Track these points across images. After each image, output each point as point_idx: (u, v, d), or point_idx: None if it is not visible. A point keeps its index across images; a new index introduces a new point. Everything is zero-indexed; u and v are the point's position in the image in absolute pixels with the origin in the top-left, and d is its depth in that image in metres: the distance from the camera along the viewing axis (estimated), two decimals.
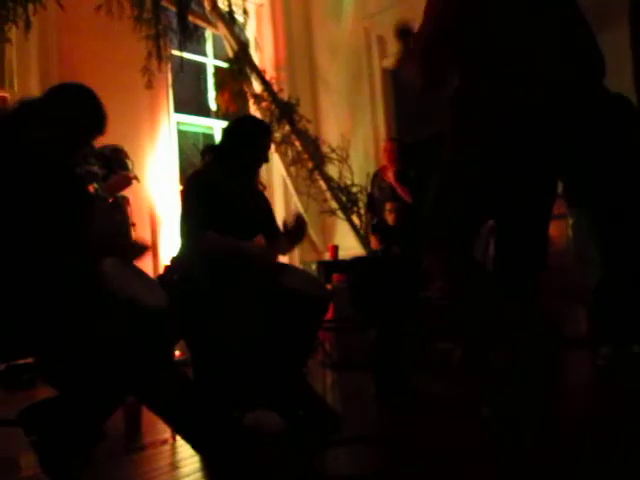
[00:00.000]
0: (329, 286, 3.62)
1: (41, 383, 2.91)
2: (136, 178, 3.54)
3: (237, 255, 2.21)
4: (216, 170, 2.38)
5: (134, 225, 3.57)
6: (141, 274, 1.87)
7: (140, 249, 2.06)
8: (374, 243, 4.01)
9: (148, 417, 2.31)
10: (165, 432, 2.25)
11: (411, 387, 2.69)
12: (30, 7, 3.67)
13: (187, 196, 2.35)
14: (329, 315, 2.93)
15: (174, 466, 1.95)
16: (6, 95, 4.16)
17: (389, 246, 3.51)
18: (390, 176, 4.43)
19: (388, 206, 4.32)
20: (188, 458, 1.98)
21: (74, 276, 1.64)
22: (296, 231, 2.46)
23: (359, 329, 3.21)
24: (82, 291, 1.59)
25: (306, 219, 2.56)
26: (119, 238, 3.16)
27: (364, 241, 4.88)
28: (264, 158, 2.45)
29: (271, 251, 2.42)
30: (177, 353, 3.37)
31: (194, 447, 1.75)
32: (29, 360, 3.17)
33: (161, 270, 2.44)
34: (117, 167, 3.32)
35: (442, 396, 2.64)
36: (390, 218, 4.27)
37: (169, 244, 4.47)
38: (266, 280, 2.22)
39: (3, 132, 1.69)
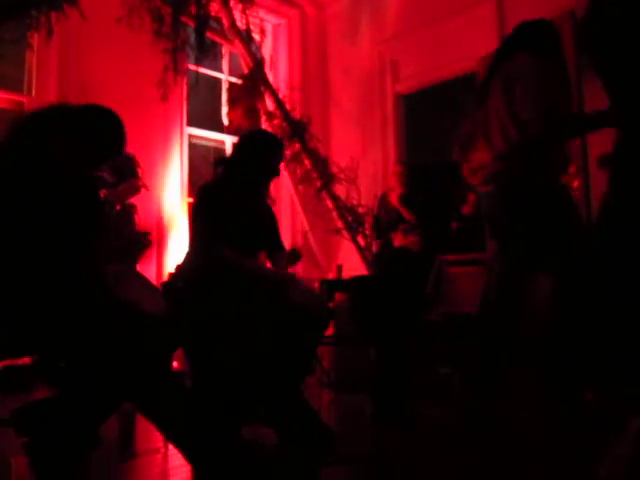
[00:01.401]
0: (331, 304, 3.61)
1: (38, 386, 2.91)
2: (145, 186, 3.58)
3: (250, 276, 2.23)
4: (227, 183, 2.40)
5: (149, 234, 3.60)
6: (143, 280, 1.88)
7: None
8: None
9: (142, 425, 2.31)
10: (158, 440, 2.24)
11: (409, 410, 2.66)
12: (53, 16, 3.75)
13: (199, 209, 2.36)
14: (329, 332, 2.92)
15: (165, 474, 1.95)
16: (24, 100, 4.23)
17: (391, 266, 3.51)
18: (394, 198, 4.47)
19: (401, 227, 4.32)
20: (180, 467, 1.97)
21: (78, 279, 1.65)
22: (290, 257, 2.53)
23: (359, 347, 3.20)
24: (84, 293, 1.60)
25: (301, 252, 2.61)
26: (124, 244, 3.18)
27: (368, 261, 4.89)
28: (275, 172, 2.47)
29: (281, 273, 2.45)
30: (175, 364, 3.36)
31: (188, 457, 1.74)
32: (26, 362, 3.18)
33: (165, 277, 2.45)
34: (128, 175, 3.35)
35: (440, 420, 2.62)
36: (398, 238, 4.28)
37: (175, 253, 4.49)
38: (269, 294, 2.22)
39: (29, 141, 1.71)
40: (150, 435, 2.34)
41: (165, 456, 2.14)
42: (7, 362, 3.16)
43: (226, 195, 2.34)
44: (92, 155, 1.81)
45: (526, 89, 2.14)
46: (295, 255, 2.55)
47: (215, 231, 2.24)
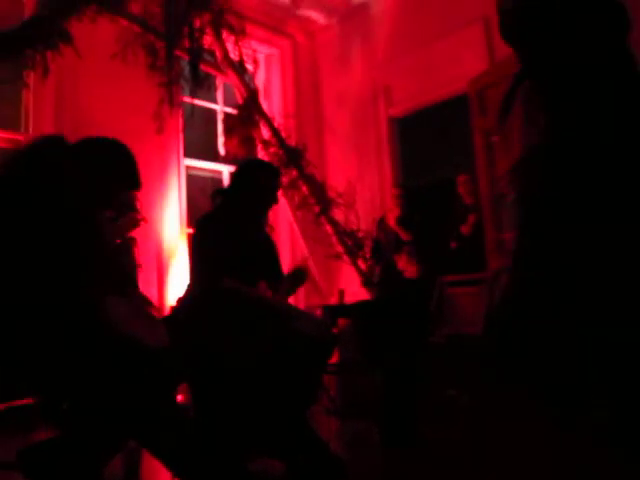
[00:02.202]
0: (334, 330, 3.59)
1: (40, 426, 2.87)
2: (144, 219, 3.58)
3: (253, 304, 2.21)
4: (225, 214, 2.41)
5: (140, 266, 3.58)
6: (144, 313, 1.87)
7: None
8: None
9: (148, 464, 2.26)
10: (165, 478, 2.20)
11: (416, 435, 2.62)
12: (48, 54, 3.80)
13: (199, 240, 2.36)
14: (334, 359, 2.89)
15: None
16: (21, 138, 4.26)
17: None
18: (392, 220, 4.49)
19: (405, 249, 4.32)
20: None
21: (77, 314, 1.64)
22: (295, 279, 2.49)
23: (364, 373, 3.16)
24: (84, 329, 1.58)
25: (309, 269, 2.58)
26: (124, 278, 3.16)
27: (370, 286, 4.87)
28: (273, 200, 2.47)
29: (282, 299, 2.42)
30: (179, 397, 3.32)
31: None
32: (28, 402, 3.13)
33: (167, 311, 2.43)
34: (127, 208, 3.35)
35: (447, 443, 2.58)
36: (401, 261, 4.28)
37: (175, 286, 4.48)
38: (272, 324, 2.21)
39: (31, 176, 1.70)
40: (156, 473, 2.29)
41: None
42: (8, 402, 3.13)
43: (225, 226, 2.34)
44: (109, 189, 1.81)
45: None
46: (300, 276, 2.50)
47: (215, 262, 2.24)
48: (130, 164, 1.86)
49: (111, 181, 1.83)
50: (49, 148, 1.76)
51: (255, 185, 2.40)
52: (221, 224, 2.34)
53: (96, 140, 1.85)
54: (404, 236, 4.34)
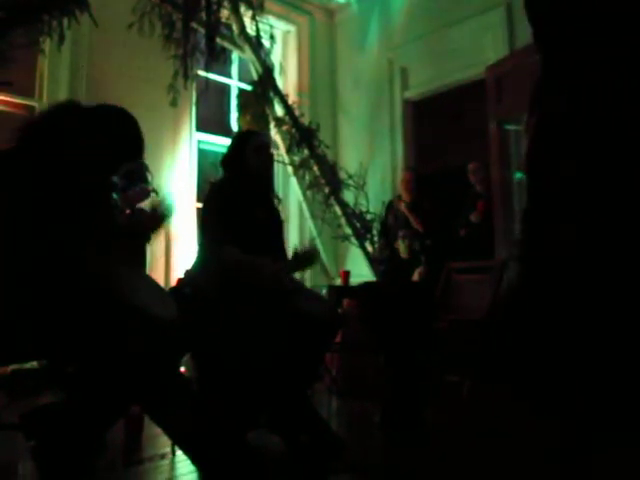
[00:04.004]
0: (339, 311, 3.59)
1: (45, 391, 2.91)
2: (154, 191, 3.59)
3: (250, 273, 2.21)
4: (234, 182, 2.40)
5: (149, 238, 3.59)
6: (154, 284, 1.88)
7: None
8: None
9: (149, 431, 2.30)
10: (165, 446, 2.23)
11: (418, 418, 2.64)
12: (65, 21, 3.78)
13: (208, 207, 2.36)
14: (337, 339, 2.90)
15: None
16: (34, 104, 4.26)
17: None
18: (402, 205, 4.47)
19: (401, 233, 4.34)
20: (186, 474, 1.96)
21: (89, 280, 1.65)
22: (304, 259, 2.45)
23: (367, 354, 3.18)
24: (96, 295, 1.60)
25: (318, 252, 2.55)
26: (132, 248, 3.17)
27: (375, 268, 4.87)
28: (261, 163, 2.42)
29: (282, 273, 2.39)
30: (182, 369, 3.35)
31: (194, 461, 1.73)
32: (34, 366, 3.18)
33: (174, 283, 2.45)
34: (137, 179, 3.36)
35: (448, 427, 2.60)
36: (402, 246, 4.29)
37: (183, 258, 4.50)
38: (278, 300, 2.21)
39: (42, 141, 1.72)
40: (157, 441, 2.33)
41: (172, 462, 2.13)
42: (14, 366, 3.17)
43: (235, 192, 2.33)
44: (112, 156, 1.81)
45: None
46: (308, 258, 2.46)
47: (221, 230, 2.24)
48: (136, 133, 1.86)
49: (117, 149, 1.83)
50: (61, 117, 1.76)
51: (238, 151, 2.40)
52: (229, 192, 2.34)
53: (103, 108, 1.85)
54: (416, 224, 4.34)
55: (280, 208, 2.64)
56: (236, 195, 2.34)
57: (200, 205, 4.64)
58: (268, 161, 2.49)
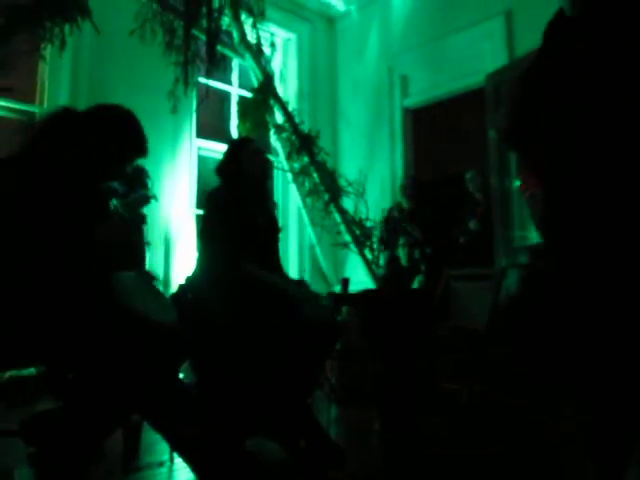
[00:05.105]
0: (338, 318, 3.59)
1: (43, 398, 2.90)
2: (154, 197, 3.59)
3: (270, 289, 2.21)
4: (232, 189, 2.40)
5: (148, 244, 3.60)
6: (155, 291, 1.87)
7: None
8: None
9: (147, 438, 2.29)
10: (163, 454, 2.22)
11: (416, 426, 2.64)
12: (66, 28, 3.79)
13: (212, 217, 2.34)
14: (336, 346, 2.90)
15: None
16: (35, 110, 4.26)
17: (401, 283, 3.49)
18: (400, 212, 4.49)
19: (400, 241, 4.35)
20: None
21: (89, 287, 1.65)
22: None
23: (366, 361, 3.17)
24: (95, 302, 1.59)
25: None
26: (132, 254, 3.18)
27: (375, 276, 4.87)
28: (256, 170, 2.43)
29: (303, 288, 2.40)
30: (181, 376, 3.34)
31: (193, 469, 1.72)
32: (32, 373, 3.17)
33: (174, 289, 2.44)
34: (137, 185, 3.37)
35: (446, 435, 2.59)
36: (401, 254, 4.30)
37: (182, 264, 4.49)
38: (279, 307, 2.21)
39: (38, 148, 1.72)
40: (156, 448, 2.32)
41: (170, 470, 2.12)
42: (13, 373, 3.16)
43: (234, 199, 2.33)
44: (114, 155, 1.81)
45: None
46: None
47: (234, 242, 2.23)
48: (138, 132, 1.86)
49: (118, 150, 1.82)
50: (59, 123, 1.76)
51: (232, 158, 2.41)
52: (229, 199, 2.34)
53: (105, 108, 1.85)
54: (415, 231, 4.35)
55: (277, 214, 2.64)
56: (237, 202, 2.34)
57: (199, 212, 4.64)
58: (264, 166, 2.51)
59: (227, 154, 2.47)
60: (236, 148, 2.45)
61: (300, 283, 2.51)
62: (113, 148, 1.79)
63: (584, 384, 1.35)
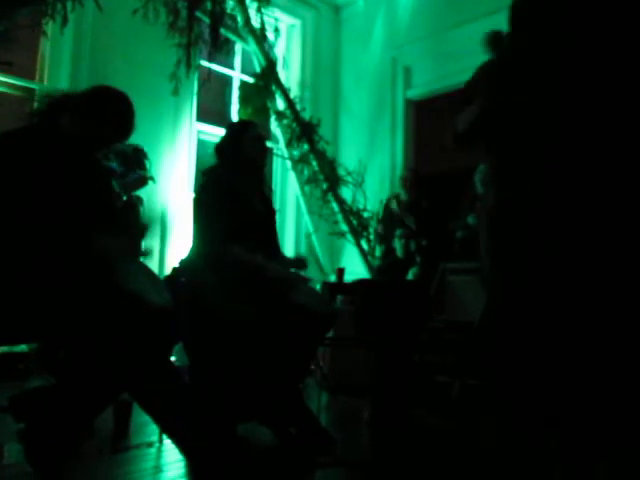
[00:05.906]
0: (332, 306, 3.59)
1: (35, 375, 2.90)
2: (152, 179, 3.57)
3: (260, 274, 2.20)
4: (231, 168, 2.38)
5: (146, 227, 3.58)
6: (149, 272, 1.87)
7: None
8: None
9: (137, 418, 2.29)
10: (153, 434, 2.23)
11: (407, 417, 2.65)
12: (69, 4, 3.75)
13: (207, 196, 2.32)
14: (329, 334, 2.90)
15: (158, 469, 1.93)
16: (35, 87, 4.22)
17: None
18: (398, 204, 4.48)
19: (397, 232, 4.34)
20: (173, 462, 1.96)
21: (81, 266, 1.64)
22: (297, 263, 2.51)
23: (358, 350, 3.18)
24: (91, 279, 1.59)
25: (306, 263, 2.58)
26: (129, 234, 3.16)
27: (371, 266, 4.87)
28: (256, 154, 2.42)
29: (288, 276, 2.40)
30: (172, 359, 3.34)
31: (182, 450, 1.73)
32: (23, 350, 3.17)
33: (168, 272, 2.43)
34: (135, 166, 3.35)
35: (436, 427, 2.61)
36: (397, 245, 4.29)
37: (178, 247, 4.48)
38: (273, 293, 2.21)
39: (41, 123, 1.73)
40: (145, 428, 2.32)
41: (159, 451, 2.13)
42: (4, 349, 3.16)
43: (228, 182, 2.31)
44: (102, 133, 1.81)
45: None
46: (300, 264, 2.51)
47: (226, 226, 2.22)
48: (122, 116, 1.86)
49: (109, 130, 1.83)
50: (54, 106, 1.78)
51: (232, 140, 2.39)
52: (223, 182, 2.32)
53: (97, 90, 1.85)
54: (412, 223, 4.34)
55: (272, 200, 2.64)
56: (235, 182, 2.32)
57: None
58: (264, 152, 2.49)
59: (229, 134, 2.44)
60: (239, 130, 2.43)
61: (298, 262, 2.50)
62: (96, 130, 1.79)
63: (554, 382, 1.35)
